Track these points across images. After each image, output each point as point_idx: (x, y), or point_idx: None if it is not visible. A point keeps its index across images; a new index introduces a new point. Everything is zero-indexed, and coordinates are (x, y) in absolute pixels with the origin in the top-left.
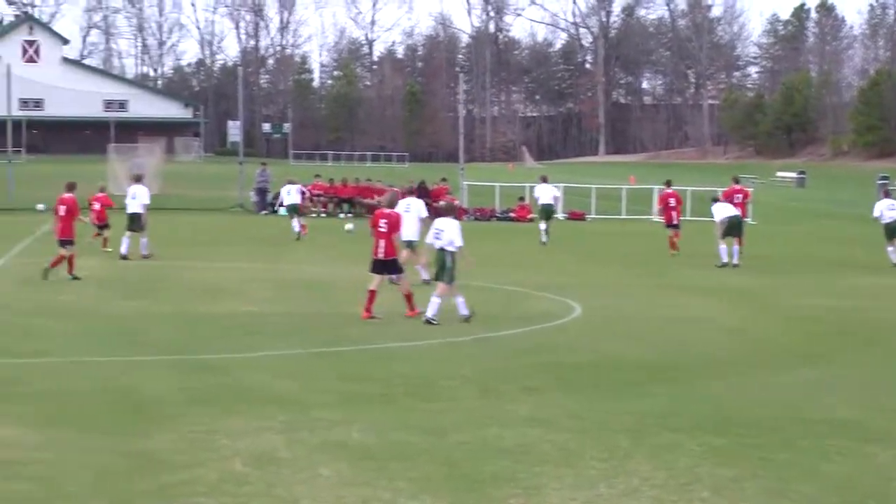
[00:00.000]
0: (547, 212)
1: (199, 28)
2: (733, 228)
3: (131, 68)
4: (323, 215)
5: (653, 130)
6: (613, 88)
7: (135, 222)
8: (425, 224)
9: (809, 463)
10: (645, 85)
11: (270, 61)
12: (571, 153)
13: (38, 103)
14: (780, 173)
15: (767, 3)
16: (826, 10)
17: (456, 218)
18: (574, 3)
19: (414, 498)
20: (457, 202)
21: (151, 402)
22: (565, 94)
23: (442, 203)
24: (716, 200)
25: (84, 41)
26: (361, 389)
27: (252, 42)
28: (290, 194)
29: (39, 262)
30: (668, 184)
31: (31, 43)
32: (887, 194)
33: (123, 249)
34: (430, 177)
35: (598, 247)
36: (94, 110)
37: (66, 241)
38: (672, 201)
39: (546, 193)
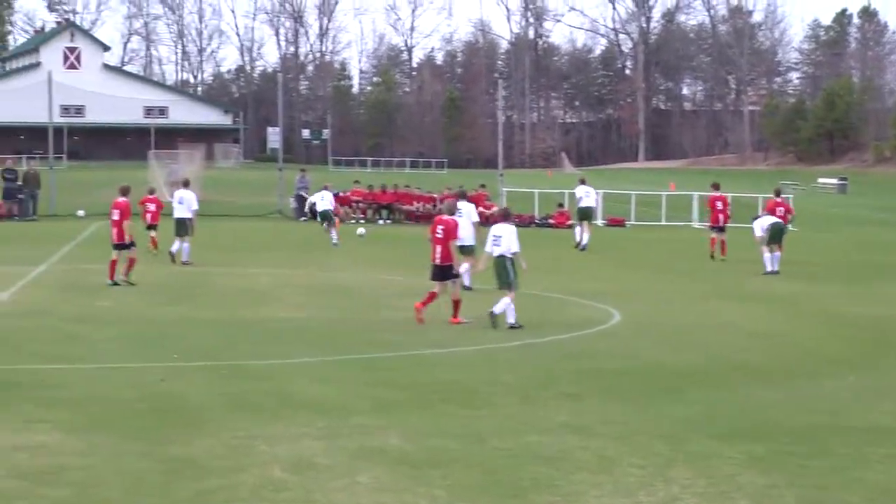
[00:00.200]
0: (584, 214)
1: (238, 35)
2: (776, 235)
3: (171, 75)
4: (362, 221)
5: (693, 137)
6: (653, 94)
7: (182, 227)
8: (476, 228)
9: (849, 471)
10: (685, 91)
11: (310, 68)
12: (611, 159)
13: (79, 110)
14: (821, 180)
15: (809, 9)
16: (868, 15)
17: (512, 223)
18: (614, 8)
19: None
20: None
21: (191, 408)
22: (605, 100)
23: (497, 209)
24: (755, 219)
25: (125, 48)
26: (399, 395)
27: (292, 48)
28: (324, 200)
29: (80, 268)
30: (716, 186)
31: (72, 50)
32: None
33: (184, 257)
34: (468, 183)
35: (638, 253)
36: (135, 117)
37: (122, 245)
38: (720, 204)
39: (585, 195)
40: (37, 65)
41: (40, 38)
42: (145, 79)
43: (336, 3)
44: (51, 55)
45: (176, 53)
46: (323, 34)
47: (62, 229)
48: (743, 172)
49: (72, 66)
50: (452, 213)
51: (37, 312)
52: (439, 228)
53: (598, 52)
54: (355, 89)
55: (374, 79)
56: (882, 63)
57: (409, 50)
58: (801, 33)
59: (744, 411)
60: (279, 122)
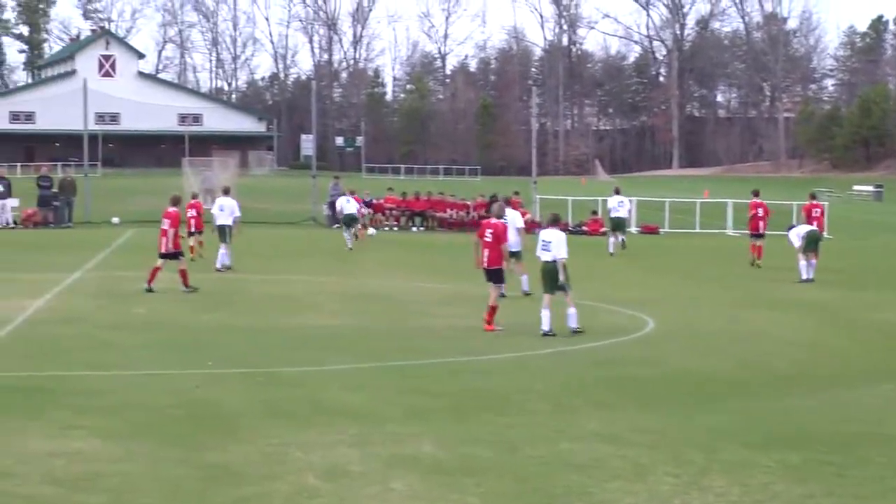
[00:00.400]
0: (617, 224)
1: (272, 42)
2: (812, 242)
3: (206, 82)
4: (395, 228)
5: (727, 144)
6: (687, 101)
7: (224, 234)
8: (522, 234)
9: (888, 480)
10: (719, 98)
11: (343, 75)
12: (644, 167)
13: (113, 117)
14: (856, 187)
15: (844, 15)
16: None
17: (562, 229)
18: (648, 15)
19: None
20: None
21: (226, 415)
22: (639, 108)
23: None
24: (791, 228)
25: (159, 55)
26: (432, 403)
27: (325, 56)
28: (350, 203)
29: (115, 275)
30: (756, 194)
31: (107, 57)
32: None
33: (227, 261)
34: (502, 190)
35: (672, 261)
36: (169, 124)
37: (169, 255)
38: (760, 211)
39: (618, 205)
40: (72, 72)
41: (76, 46)
42: (179, 86)
43: (370, 10)
44: (86, 63)
45: (210, 61)
46: (357, 41)
47: (97, 236)
48: (777, 180)
49: (107, 74)
50: (501, 217)
51: (72, 319)
52: (488, 232)
53: (631, 59)
54: (389, 97)
55: (408, 86)
56: None
57: (443, 57)
58: (836, 40)
59: (779, 420)
60: (313, 130)
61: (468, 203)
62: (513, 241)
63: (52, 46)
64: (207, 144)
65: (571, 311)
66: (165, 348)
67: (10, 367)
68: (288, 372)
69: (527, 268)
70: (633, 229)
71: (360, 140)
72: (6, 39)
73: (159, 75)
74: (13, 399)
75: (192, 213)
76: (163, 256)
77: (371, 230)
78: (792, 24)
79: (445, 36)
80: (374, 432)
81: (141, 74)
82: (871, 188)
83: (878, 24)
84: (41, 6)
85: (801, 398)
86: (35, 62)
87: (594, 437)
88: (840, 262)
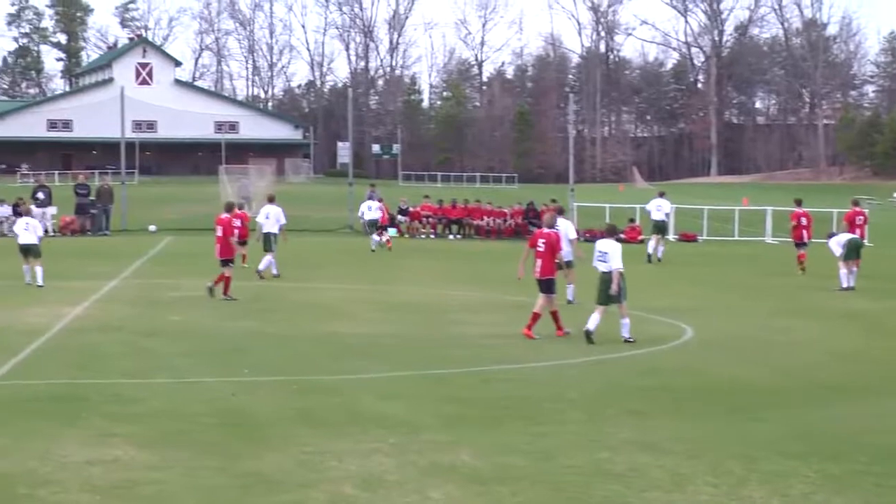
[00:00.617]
0: (657, 227)
1: (309, 49)
2: (854, 250)
3: (242, 90)
4: (432, 236)
5: (766, 151)
6: (726, 108)
7: (269, 242)
8: (573, 244)
9: None
10: (758, 104)
11: (380, 82)
12: (682, 174)
13: (150, 125)
14: None
15: (885, 21)
16: None
17: (618, 239)
18: (686, 22)
19: None
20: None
21: (262, 423)
22: (676, 114)
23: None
24: (831, 236)
25: (196, 63)
26: (468, 412)
27: (362, 63)
28: (371, 210)
29: (152, 282)
30: (799, 202)
31: (144, 65)
32: None
33: (274, 270)
34: (539, 198)
35: (710, 269)
36: (206, 132)
37: (225, 261)
38: (804, 220)
39: (657, 209)
40: (109, 80)
41: (113, 54)
42: (216, 94)
43: (406, 17)
44: (123, 71)
45: (247, 69)
46: (393, 49)
47: (134, 244)
48: (817, 187)
49: (144, 82)
50: (552, 227)
51: (109, 327)
52: (540, 242)
53: (669, 65)
54: (425, 104)
55: (444, 93)
56: None
57: (480, 64)
58: (876, 46)
59: (819, 429)
60: (349, 137)
61: (505, 211)
62: (565, 250)
63: (90, 55)
64: (244, 152)
65: (625, 321)
66: (201, 356)
67: (49, 375)
68: (324, 380)
69: (576, 277)
70: (671, 237)
71: (396, 147)
72: (44, 48)
73: (196, 83)
74: (51, 406)
75: (237, 222)
76: (222, 263)
77: (386, 236)
78: (832, 29)
79: (482, 43)
80: (411, 441)
81: (178, 82)
82: None
83: None
84: (79, 15)
85: (842, 408)
86: (72, 70)
87: (631, 446)
88: (881, 271)
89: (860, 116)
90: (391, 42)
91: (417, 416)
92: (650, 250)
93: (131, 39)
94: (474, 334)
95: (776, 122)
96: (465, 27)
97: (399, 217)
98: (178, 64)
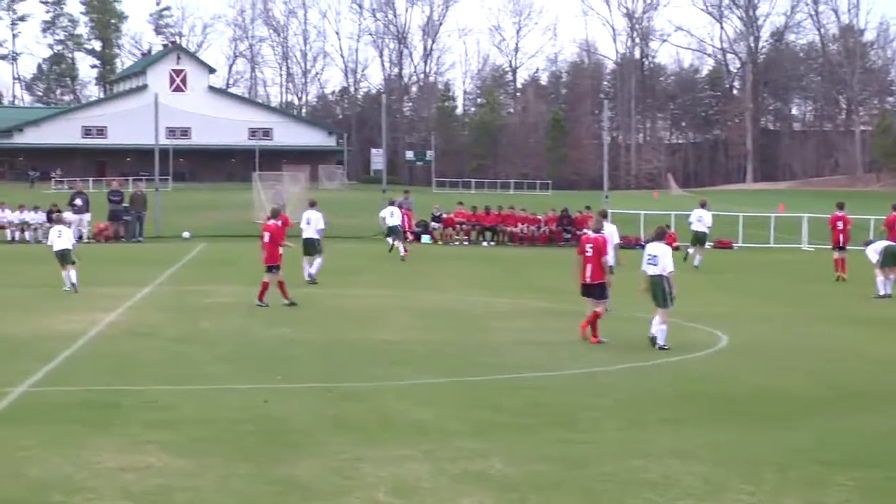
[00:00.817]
0: (695, 238)
1: (343, 56)
2: (890, 257)
3: (276, 97)
4: (466, 243)
5: (802, 157)
6: (761, 115)
7: (311, 247)
8: (616, 249)
9: None
10: (794, 111)
11: (414, 89)
12: (718, 181)
13: (184, 132)
14: None
15: None
16: None
17: (667, 243)
18: (721, 28)
19: None
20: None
21: (295, 430)
22: (712, 121)
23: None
24: (868, 244)
25: (230, 70)
26: (501, 419)
27: (396, 70)
28: (394, 216)
29: (185, 289)
30: (840, 206)
31: (178, 72)
32: None
33: (314, 271)
34: (573, 204)
35: (746, 276)
36: (240, 139)
37: (272, 267)
38: (840, 224)
39: (697, 220)
40: (143, 87)
41: (147, 61)
42: (250, 101)
43: (440, 24)
44: (157, 78)
45: (280, 75)
46: (427, 55)
47: (168, 251)
48: (854, 194)
49: (178, 89)
50: (599, 231)
51: (143, 333)
52: (588, 247)
53: (704, 72)
54: (459, 110)
55: (478, 100)
56: None
57: (514, 71)
58: None
59: (855, 438)
60: (383, 144)
61: (539, 217)
62: (609, 255)
63: (124, 61)
64: (278, 159)
65: (663, 327)
66: (235, 362)
67: (83, 381)
68: (357, 387)
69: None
70: (707, 244)
71: (430, 154)
72: (79, 55)
73: (230, 90)
74: (85, 413)
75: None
76: (268, 269)
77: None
78: (869, 35)
79: (516, 49)
80: (444, 448)
81: (211, 89)
82: None
83: None
84: (113, 21)
85: (878, 416)
86: (107, 77)
87: (665, 454)
88: None
89: None
90: (425, 48)
91: (450, 422)
92: (684, 256)
93: (165, 46)
94: (507, 341)
95: (812, 128)
96: (500, 33)
97: (432, 224)
98: (212, 71)
